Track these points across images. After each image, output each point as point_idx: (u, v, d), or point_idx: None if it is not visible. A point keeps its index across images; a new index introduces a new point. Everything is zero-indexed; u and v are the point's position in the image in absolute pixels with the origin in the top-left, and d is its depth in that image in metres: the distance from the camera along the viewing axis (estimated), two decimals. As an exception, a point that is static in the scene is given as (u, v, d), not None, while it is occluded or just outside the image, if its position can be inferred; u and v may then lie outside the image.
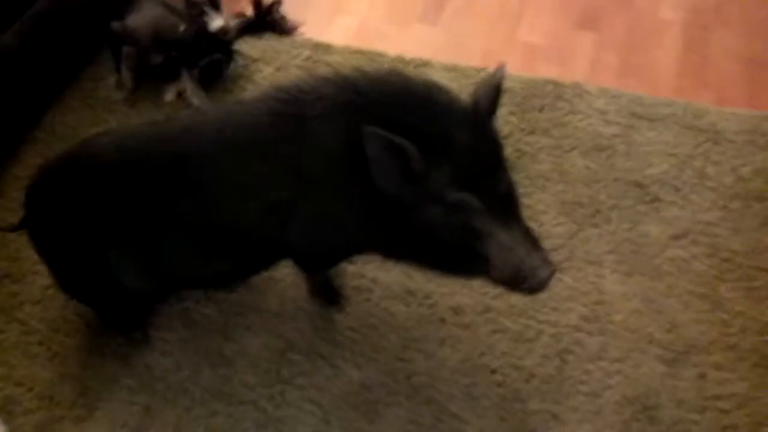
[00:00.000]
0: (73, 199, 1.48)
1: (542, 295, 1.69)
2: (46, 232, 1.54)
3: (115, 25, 2.20)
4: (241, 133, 1.38)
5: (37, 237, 1.56)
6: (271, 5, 2.37)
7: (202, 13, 2.20)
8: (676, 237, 1.85)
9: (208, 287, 1.72)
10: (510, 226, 1.33)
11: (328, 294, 1.74)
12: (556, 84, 2.19)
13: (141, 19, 2.20)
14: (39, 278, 1.80)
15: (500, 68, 1.37)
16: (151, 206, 1.44)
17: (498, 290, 1.71)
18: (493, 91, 1.35)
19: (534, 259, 1.34)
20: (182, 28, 2.17)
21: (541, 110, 2.13)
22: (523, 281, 1.35)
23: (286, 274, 1.78)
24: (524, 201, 1.39)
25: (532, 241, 1.36)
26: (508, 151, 1.51)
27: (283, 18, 2.38)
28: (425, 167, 1.26)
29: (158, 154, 1.45)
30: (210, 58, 2.15)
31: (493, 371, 1.64)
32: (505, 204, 1.34)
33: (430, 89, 1.34)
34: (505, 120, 2.06)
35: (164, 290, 1.65)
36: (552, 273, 1.36)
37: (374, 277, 1.79)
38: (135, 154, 1.47)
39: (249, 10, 2.41)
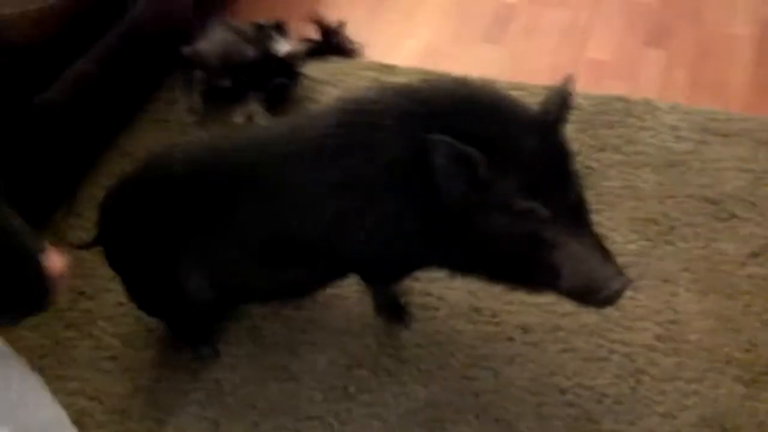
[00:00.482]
0: (145, 212, 1.51)
1: (614, 314, 1.67)
2: (119, 245, 1.57)
3: (186, 50, 2.25)
4: (310, 144, 1.40)
5: (111, 251, 1.59)
6: (336, 28, 2.40)
7: (270, 38, 2.24)
8: (754, 254, 1.79)
9: (275, 300, 1.73)
10: (581, 235, 1.31)
11: (394, 311, 1.73)
12: (626, 101, 2.16)
13: (210, 44, 2.25)
14: (112, 295, 1.84)
15: (569, 78, 1.36)
16: (221, 217, 1.46)
17: (567, 308, 1.69)
18: (562, 101, 1.34)
19: (607, 270, 1.31)
20: (250, 52, 2.21)
21: (610, 127, 2.10)
22: (596, 293, 1.32)
23: (352, 291, 1.78)
24: (594, 218, 1.36)
25: (604, 251, 1.33)
26: (577, 168, 1.48)
27: (348, 41, 2.41)
28: (491, 175, 1.25)
29: (228, 166, 1.48)
30: (277, 81, 2.19)
31: (563, 391, 1.60)
32: (575, 213, 1.32)
33: (496, 98, 1.34)
34: (573, 137, 2.00)
35: (232, 302, 1.66)
36: (625, 284, 1.33)
37: (441, 295, 1.77)
38: (205, 166, 1.50)
39: (315, 34, 2.45)
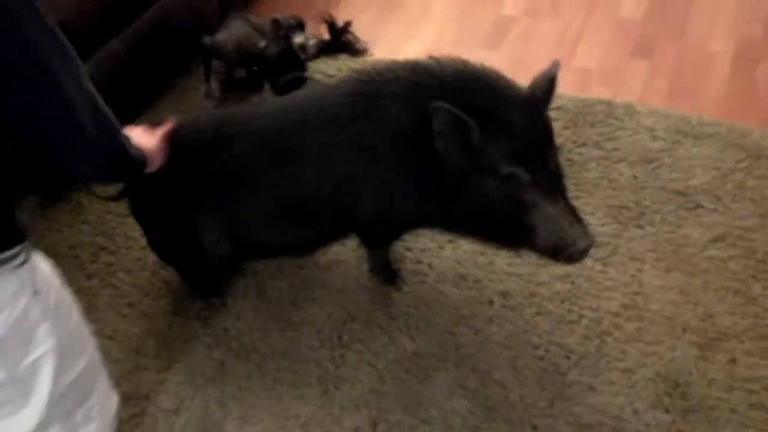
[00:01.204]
0: (171, 169, 1.69)
1: (585, 284, 1.86)
2: (144, 199, 1.75)
3: (206, 40, 2.45)
4: (323, 112, 1.58)
5: (136, 204, 1.78)
6: (344, 27, 2.61)
7: (286, 33, 2.44)
8: (715, 240, 1.97)
9: (282, 255, 1.90)
10: (555, 200, 1.49)
11: (387, 274, 1.91)
12: (608, 104, 2.36)
13: (228, 35, 2.45)
14: (132, 251, 2.03)
15: (556, 63, 1.55)
16: (240, 175, 1.64)
17: (543, 278, 1.88)
18: (548, 83, 1.52)
19: (575, 230, 1.48)
20: (263, 45, 2.41)
21: (592, 126, 2.29)
22: (565, 249, 1.49)
23: (350, 256, 1.97)
24: (574, 204, 1.53)
25: (574, 214, 1.51)
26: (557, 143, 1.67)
27: (356, 39, 2.61)
28: (483, 141, 1.44)
29: (251, 131, 1.66)
30: (290, 75, 2.38)
31: (536, 347, 1.78)
32: (552, 181, 1.50)
33: (493, 77, 1.52)
34: (557, 133, 2.19)
35: (244, 256, 1.84)
36: (591, 244, 1.50)
37: (430, 263, 1.96)
38: (229, 129, 1.68)
39: (326, 33, 2.66)
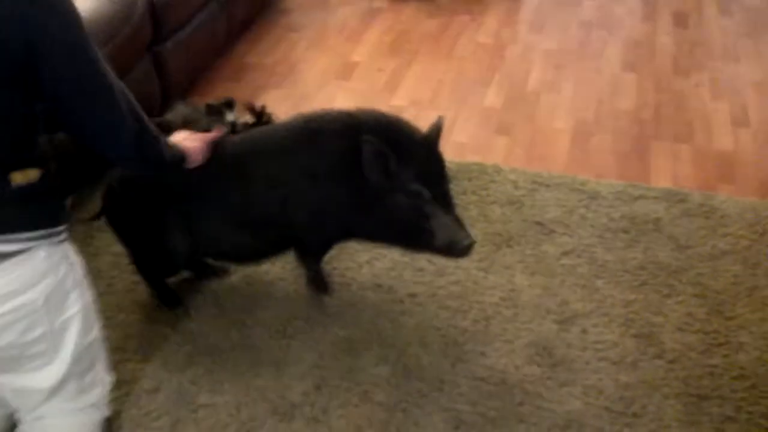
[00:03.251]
0: (142, 186, 2.13)
1: (473, 286, 2.42)
2: (119, 213, 2.17)
3: (156, 120, 2.96)
4: (274, 143, 2.12)
5: (112, 218, 2.20)
6: (262, 109, 3.15)
7: (220, 112, 2.99)
8: (565, 253, 2.60)
9: (232, 259, 2.35)
10: (447, 211, 2.07)
11: (320, 284, 2.41)
12: (481, 165, 3.01)
13: (175, 115, 2.98)
14: (106, 275, 2.44)
15: (441, 118, 2.17)
16: (204, 189, 2.08)
17: (441, 282, 2.44)
18: (437, 129, 2.13)
19: (462, 233, 2.06)
20: (203, 120, 2.94)
21: (470, 180, 2.93)
22: (455, 246, 2.05)
23: (289, 275, 2.46)
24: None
25: (460, 223, 2.10)
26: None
27: (271, 118, 3.17)
28: (397, 168, 2.00)
29: (214, 156, 2.16)
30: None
31: (438, 329, 2.31)
32: (444, 198, 2.08)
33: (402, 123, 2.10)
34: (443, 185, 2.84)
35: (200, 255, 2.28)
36: (472, 243, 2.07)
37: (352, 276, 2.48)
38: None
39: (249, 119, 3.21)
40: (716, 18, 4.22)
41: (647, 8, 4.37)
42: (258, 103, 3.01)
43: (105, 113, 1.57)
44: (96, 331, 1.87)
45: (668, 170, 3.03)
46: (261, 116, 3.14)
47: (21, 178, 1.56)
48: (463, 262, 2.50)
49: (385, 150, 1.96)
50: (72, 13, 1.49)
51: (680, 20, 4.20)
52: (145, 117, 1.65)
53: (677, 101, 3.48)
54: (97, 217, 2.25)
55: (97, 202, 2.30)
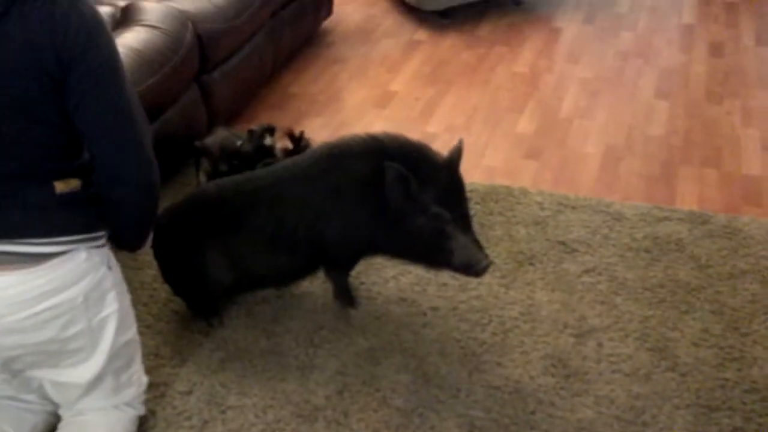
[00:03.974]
0: (185, 222, 2.33)
1: (493, 300, 2.52)
2: (164, 245, 2.33)
3: (197, 143, 3.15)
4: (301, 170, 2.28)
5: (158, 250, 2.37)
6: (301, 135, 3.31)
7: (260, 137, 3.16)
8: (586, 271, 2.67)
9: (268, 285, 2.51)
10: (466, 233, 2.19)
11: (346, 298, 2.54)
12: (508, 188, 3.12)
13: (214, 139, 3.16)
14: (145, 291, 2.61)
15: (461, 141, 2.29)
16: (238, 222, 2.28)
17: (462, 297, 2.54)
18: (458, 152, 2.25)
19: (479, 254, 2.18)
20: (242, 145, 3.12)
21: (496, 202, 3.03)
22: (472, 267, 2.17)
23: (318, 288, 2.59)
24: (481, 241, 2.24)
25: (478, 244, 2.21)
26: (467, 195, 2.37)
27: (309, 143, 3.32)
28: (419, 191, 2.13)
29: (246, 189, 2.34)
30: (263, 162, 3.07)
31: (458, 341, 2.40)
32: (463, 219, 2.21)
33: (424, 146, 2.24)
34: (471, 206, 2.94)
35: (240, 284, 2.45)
36: (489, 264, 2.19)
37: (378, 291, 2.60)
38: (229, 190, 2.36)
39: (289, 145, 3.38)
40: (753, 47, 4.26)
41: (685, 39, 4.43)
42: (297, 130, 3.16)
43: (121, 148, 1.71)
44: (132, 333, 2.03)
45: (694, 194, 3.08)
46: (299, 142, 3.30)
47: (63, 186, 1.73)
48: (485, 278, 2.59)
49: (406, 174, 2.09)
50: (108, 41, 1.66)
51: (716, 50, 4.25)
52: (158, 185, 1.82)
53: (708, 127, 3.53)
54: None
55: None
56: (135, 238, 1.99)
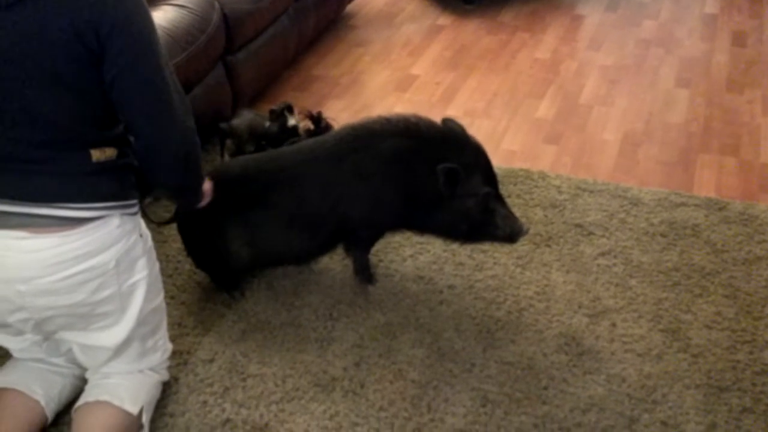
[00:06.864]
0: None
1: (509, 280, 2.57)
2: (188, 221, 2.41)
3: (223, 125, 3.21)
4: (330, 147, 2.33)
5: (183, 225, 2.45)
6: (319, 114, 3.35)
7: (282, 116, 3.21)
8: (602, 254, 2.71)
9: (288, 262, 2.57)
10: (503, 205, 2.30)
11: (365, 275, 2.59)
12: (527, 171, 3.15)
13: (241, 120, 3.22)
14: (171, 263, 2.68)
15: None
16: (260, 199, 2.33)
17: (479, 276, 2.58)
18: (458, 126, 2.34)
19: (518, 222, 2.33)
20: (267, 125, 3.18)
21: (515, 184, 3.07)
22: (516, 236, 2.32)
23: (337, 264, 2.65)
24: None
25: (513, 213, 2.32)
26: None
27: (334, 123, 3.37)
28: (465, 176, 2.22)
29: (269, 166, 2.39)
30: (289, 141, 3.13)
31: (473, 318, 2.45)
32: (498, 195, 2.30)
33: (454, 127, 2.33)
34: (489, 188, 2.98)
35: (261, 261, 2.50)
36: (529, 229, 2.36)
37: (396, 269, 2.65)
38: (252, 168, 2.41)
39: (310, 125, 3.43)
40: (776, 37, 4.26)
41: (707, 28, 4.43)
42: (315, 110, 3.21)
43: (156, 122, 1.76)
44: (159, 301, 2.09)
45: (712, 181, 3.11)
46: (319, 122, 3.36)
47: (99, 155, 1.80)
48: (502, 257, 2.65)
49: (456, 168, 2.19)
50: (145, 15, 1.71)
51: (739, 40, 4.26)
52: (198, 144, 1.88)
53: (728, 116, 3.54)
54: (167, 222, 2.50)
55: (170, 208, 2.56)
56: (185, 197, 2.11)
